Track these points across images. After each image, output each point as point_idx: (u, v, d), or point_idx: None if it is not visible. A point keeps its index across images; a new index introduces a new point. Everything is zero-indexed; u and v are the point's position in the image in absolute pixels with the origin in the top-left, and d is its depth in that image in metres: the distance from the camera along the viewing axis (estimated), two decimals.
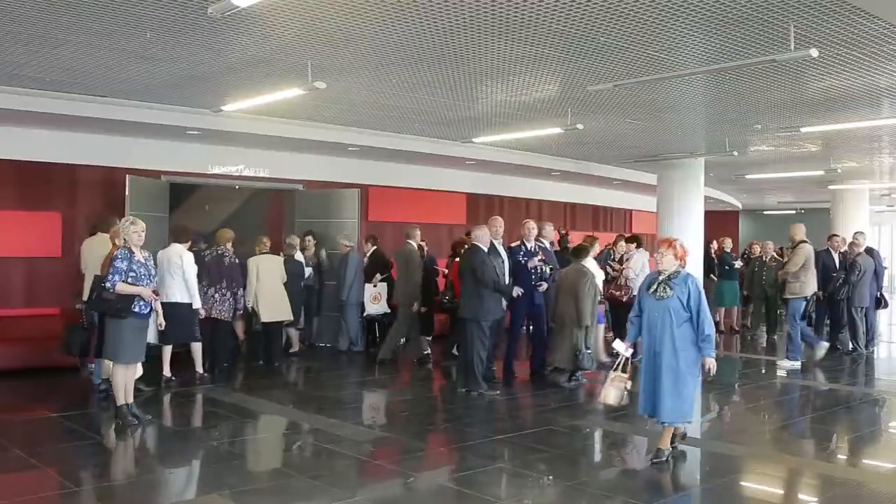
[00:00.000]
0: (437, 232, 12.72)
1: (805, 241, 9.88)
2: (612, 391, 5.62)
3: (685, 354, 5.24)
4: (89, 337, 7.39)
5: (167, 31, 5.89)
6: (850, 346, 10.89)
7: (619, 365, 5.61)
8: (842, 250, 11.37)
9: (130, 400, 6.36)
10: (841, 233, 12.99)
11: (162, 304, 6.98)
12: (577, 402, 7.79)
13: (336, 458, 5.68)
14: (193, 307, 8.00)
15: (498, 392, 7.83)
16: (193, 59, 6.74)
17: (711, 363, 5.24)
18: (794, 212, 24.98)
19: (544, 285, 8.35)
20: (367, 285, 10.43)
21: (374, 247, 10.76)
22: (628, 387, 5.58)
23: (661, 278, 5.34)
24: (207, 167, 10.90)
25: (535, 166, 13.35)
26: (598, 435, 6.68)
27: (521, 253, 8.40)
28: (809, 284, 9.74)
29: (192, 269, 8.00)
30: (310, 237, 10.83)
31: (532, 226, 8.61)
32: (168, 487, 5.07)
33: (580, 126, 9.30)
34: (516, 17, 5.46)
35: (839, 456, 6.17)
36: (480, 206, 14.33)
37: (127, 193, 9.44)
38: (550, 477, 5.18)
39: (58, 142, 9.49)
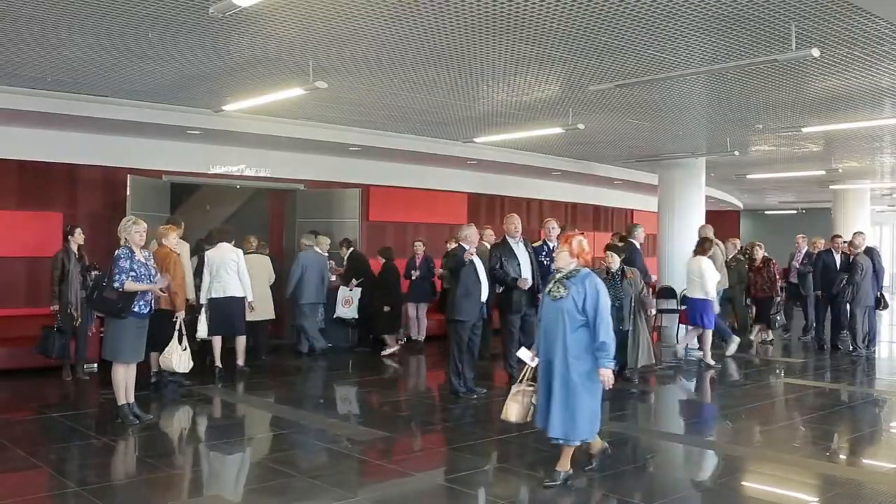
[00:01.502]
0: (438, 232, 12.71)
1: (711, 240, 10.14)
2: (514, 406, 5.00)
3: (578, 364, 4.70)
4: (69, 339, 7.68)
5: (168, 31, 5.89)
6: (851, 346, 10.88)
7: (523, 376, 5.03)
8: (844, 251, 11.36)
9: (131, 399, 6.37)
10: (842, 233, 12.98)
11: (220, 298, 8.44)
12: None
13: (339, 458, 5.68)
14: (248, 300, 8.68)
15: (475, 396, 7.55)
16: (194, 59, 6.74)
17: (607, 375, 4.68)
18: (795, 212, 24.98)
19: None
20: (341, 288, 10.53)
21: (351, 249, 10.81)
22: (534, 400, 4.93)
23: (557, 277, 4.88)
24: (208, 167, 10.91)
25: (536, 166, 13.36)
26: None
27: (544, 253, 8.28)
28: (721, 282, 10.29)
29: (244, 266, 8.72)
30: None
31: (554, 225, 8.44)
32: (168, 487, 5.06)
33: (581, 126, 9.30)
34: (517, 16, 5.46)
35: (840, 456, 6.16)
36: (481, 206, 14.34)
37: (128, 193, 9.47)
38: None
39: (59, 142, 9.49)
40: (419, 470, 5.47)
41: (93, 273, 7.77)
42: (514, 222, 7.97)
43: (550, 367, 4.77)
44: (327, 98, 8.19)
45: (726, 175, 15.84)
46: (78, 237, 8.16)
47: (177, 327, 7.05)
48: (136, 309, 6.19)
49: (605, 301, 4.73)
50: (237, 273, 8.59)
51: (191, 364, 7.13)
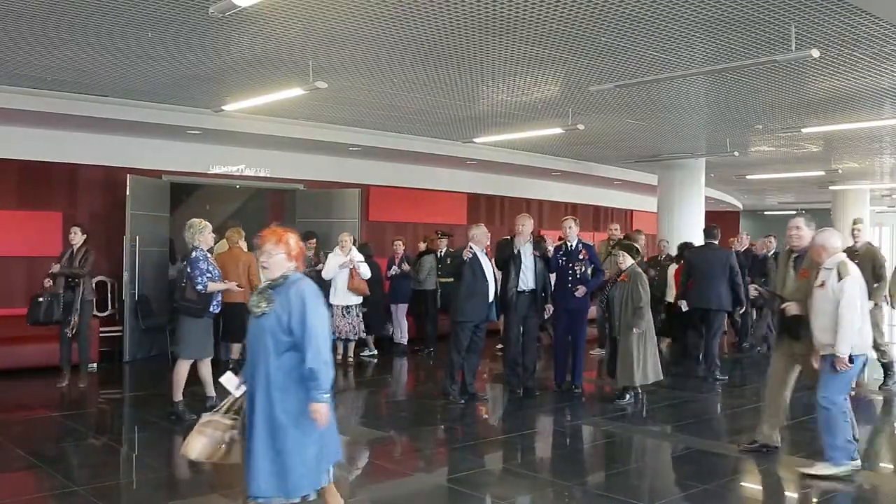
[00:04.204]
0: None
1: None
2: (199, 441, 3.75)
3: (285, 398, 3.59)
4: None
5: (168, 31, 5.89)
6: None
7: (223, 406, 3.87)
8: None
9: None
10: (842, 233, 12.95)
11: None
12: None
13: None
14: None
15: (462, 402, 7.29)
16: (194, 59, 6.74)
17: (319, 411, 3.55)
18: (794, 212, 24.96)
19: (581, 289, 7.70)
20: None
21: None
22: (228, 437, 3.76)
23: (260, 287, 3.78)
24: (208, 167, 10.91)
25: (535, 166, 13.37)
26: (598, 434, 6.67)
27: (561, 253, 7.90)
28: None
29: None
30: (313, 240, 10.79)
31: (571, 224, 7.95)
32: (168, 487, 5.06)
33: (581, 126, 9.30)
34: (517, 16, 5.46)
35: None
36: (481, 206, 14.35)
37: (128, 193, 9.47)
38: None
39: (59, 141, 9.49)
40: (419, 470, 5.47)
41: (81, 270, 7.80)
42: (520, 222, 7.67)
43: (253, 401, 3.65)
44: (327, 98, 8.19)
45: (726, 175, 15.84)
46: (73, 237, 8.12)
47: None
48: (212, 308, 6.44)
49: (317, 314, 3.59)
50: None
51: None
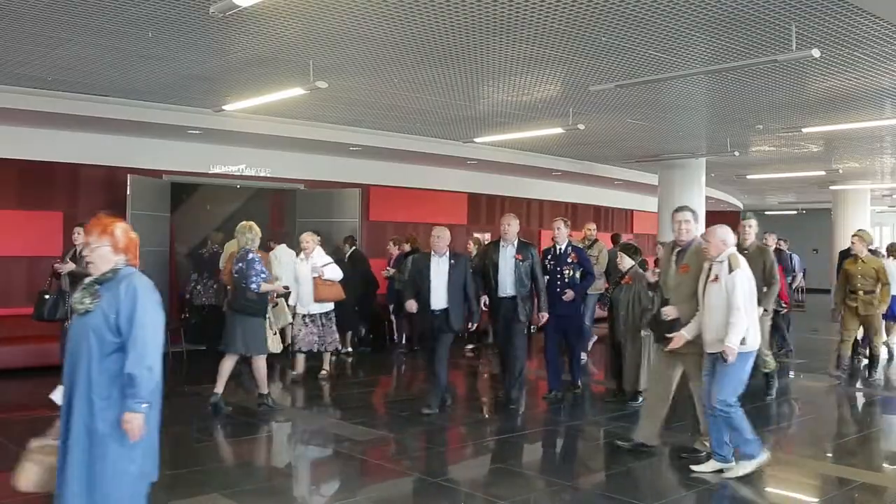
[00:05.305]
0: None
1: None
2: (31, 470, 3.34)
3: (107, 405, 3.14)
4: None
5: (169, 31, 5.89)
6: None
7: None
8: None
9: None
10: (843, 233, 12.96)
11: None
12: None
13: (339, 458, 5.69)
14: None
15: (435, 411, 6.86)
16: (195, 59, 6.74)
17: (132, 422, 3.10)
18: (795, 212, 24.98)
19: (569, 293, 7.37)
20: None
21: (353, 248, 10.70)
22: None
23: (86, 281, 3.34)
24: (209, 167, 10.91)
25: (536, 166, 13.37)
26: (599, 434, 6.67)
27: (550, 256, 7.56)
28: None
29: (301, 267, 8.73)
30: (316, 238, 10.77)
31: (560, 225, 7.60)
32: (169, 487, 5.06)
33: (581, 126, 9.31)
34: (517, 16, 5.46)
35: (844, 456, 6.16)
36: (481, 206, 14.35)
37: (128, 193, 9.47)
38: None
39: (59, 141, 9.50)
40: (419, 470, 5.47)
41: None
42: (504, 223, 7.22)
43: (70, 411, 3.18)
44: (327, 98, 8.19)
45: (726, 175, 15.84)
46: (76, 237, 8.11)
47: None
48: (268, 307, 6.94)
49: (148, 313, 3.18)
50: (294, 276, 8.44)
51: (280, 347, 7.60)
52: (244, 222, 7.01)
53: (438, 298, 6.82)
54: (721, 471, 5.09)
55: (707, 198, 14.63)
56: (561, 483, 5.11)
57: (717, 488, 5.00)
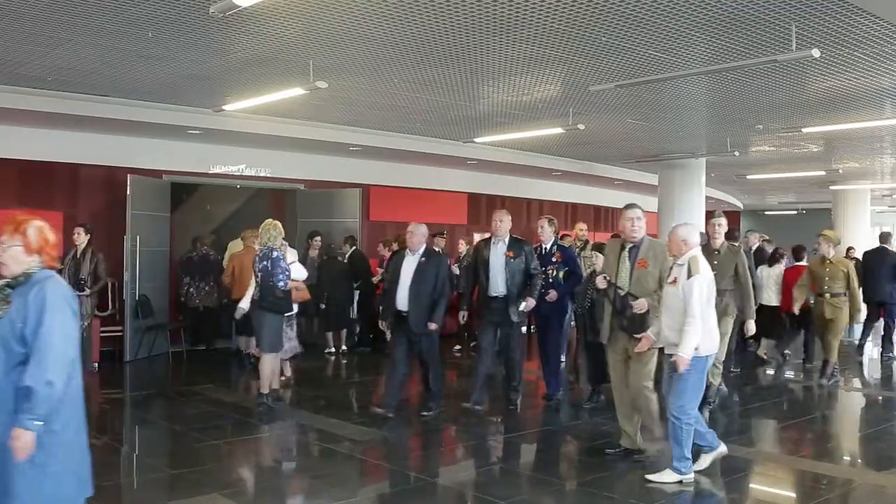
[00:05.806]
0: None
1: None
2: None
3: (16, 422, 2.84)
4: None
5: (169, 31, 5.89)
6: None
7: None
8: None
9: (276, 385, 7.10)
10: (843, 233, 12.95)
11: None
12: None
13: (339, 458, 5.69)
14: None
15: (432, 413, 6.81)
16: (195, 59, 6.74)
17: (22, 439, 2.76)
18: (795, 212, 24.98)
19: (552, 293, 7.07)
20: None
21: (353, 248, 10.70)
22: None
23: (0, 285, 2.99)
24: (209, 167, 10.91)
25: (536, 166, 13.37)
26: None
27: (534, 256, 7.22)
28: None
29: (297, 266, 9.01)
30: (318, 238, 10.78)
31: (544, 224, 7.38)
32: (169, 487, 5.06)
33: (581, 126, 9.30)
34: (517, 16, 5.46)
35: (845, 456, 6.16)
36: (481, 206, 14.34)
37: (128, 193, 9.48)
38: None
39: (59, 141, 9.50)
40: (419, 470, 5.47)
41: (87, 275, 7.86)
42: (496, 218, 6.97)
43: None
44: (327, 98, 8.19)
45: (726, 175, 15.84)
46: (77, 237, 8.14)
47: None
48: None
49: (54, 322, 2.86)
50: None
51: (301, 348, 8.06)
52: (268, 220, 7.07)
53: (402, 298, 6.59)
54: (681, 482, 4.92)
55: (707, 198, 14.62)
56: (560, 483, 5.10)
57: (720, 488, 5.01)
